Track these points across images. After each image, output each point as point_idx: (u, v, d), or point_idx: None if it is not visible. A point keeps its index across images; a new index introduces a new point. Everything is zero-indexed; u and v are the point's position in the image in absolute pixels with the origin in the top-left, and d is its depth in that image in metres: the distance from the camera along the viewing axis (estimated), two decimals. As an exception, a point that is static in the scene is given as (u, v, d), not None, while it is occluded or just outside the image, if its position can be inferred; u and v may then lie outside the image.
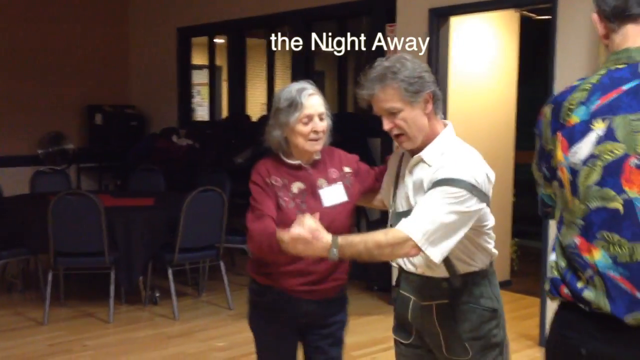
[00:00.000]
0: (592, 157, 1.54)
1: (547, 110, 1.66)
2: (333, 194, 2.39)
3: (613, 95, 1.54)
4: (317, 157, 2.43)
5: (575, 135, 1.57)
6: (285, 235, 2.03)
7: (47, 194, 5.57)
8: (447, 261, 2.06)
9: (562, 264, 1.63)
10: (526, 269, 6.16)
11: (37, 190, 6.14)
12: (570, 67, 4.24)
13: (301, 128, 2.34)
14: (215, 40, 8.61)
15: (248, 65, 8.27)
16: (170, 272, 5.00)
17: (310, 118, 2.34)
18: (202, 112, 9.35)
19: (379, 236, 1.97)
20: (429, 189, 2.00)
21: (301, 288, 2.40)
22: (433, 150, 2.10)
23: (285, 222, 2.22)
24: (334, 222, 2.29)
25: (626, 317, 1.50)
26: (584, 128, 1.56)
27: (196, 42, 8.81)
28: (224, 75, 8.69)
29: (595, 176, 1.54)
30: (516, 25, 5.84)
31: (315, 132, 2.35)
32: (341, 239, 2.00)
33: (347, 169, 2.46)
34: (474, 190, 1.96)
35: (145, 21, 8.95)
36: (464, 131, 2.08)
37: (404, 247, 1.94)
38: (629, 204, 1.50)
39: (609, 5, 1.62)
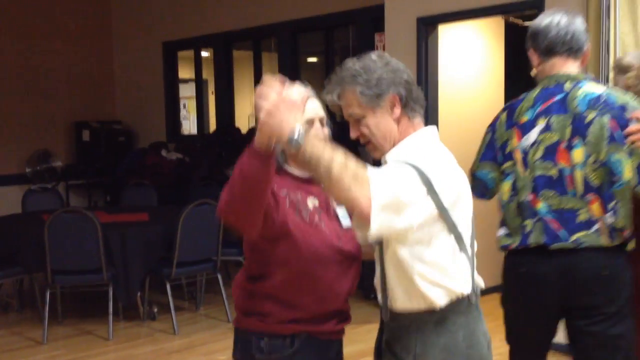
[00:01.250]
0: (537, 142, 2.43)
1: (502, 114, 2.56)
2: (345, 213, 2.07)
3: (549, 103, 2.43)
4: None
5: (526, 128, 2.45)
6: (272, 80, 1.68)
7: (40, 213, 5.56)
8: (383, 277, 1.81)
9: (514, 223, 2.49)
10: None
11: (29, 209, 6.12)
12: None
13: None
14: (201, 53, 8.64)
15: (235, 78, 8.30)
16: (168, 286, 5.00)
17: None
18: (189, 126, 9.36)
19: (352, 160, 1.63)
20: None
21: (337, 328, 2.02)
22: (398, 151, 1.82)
23: (316, 237, 1.93)
24: (351, 245, 2.00)
25: (551, 245, 2.40)
26: (531, 124, 2.45)
27: (182, 55, 8.82)
28: (211, 88, 8.71)
29: (539, 154, 2.42)
30: (502, 32, 5.94)
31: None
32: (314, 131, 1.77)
33: None
34: (430, 186, 1.67)
35: (130, 36, 8.95)
36: (455, 137, 1.93)
37: (362, 189, 1.60)
38: (560, 172, 2.40)
39: (542, 45, 2.47)
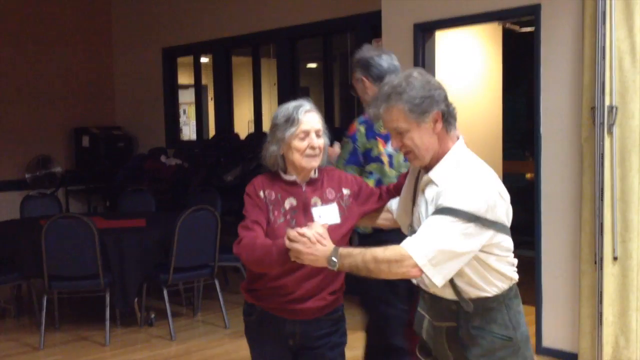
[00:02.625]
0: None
1: (361, 127, 3.12)
2: (325, 214, 2.36)
3: None
4: (314, 175, 2.41)
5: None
6: (291, 232, 2.05)
7: (38, 218, 5.56)
8: (453, 284, 2.02)
9: None
10: (519, 278, 6.17)
11: (27, 215, 6.12)
12: (554, 77, 4.32)
13: (297, 144, 2.33)
14: (201, 59, 8.65)
15: (234, 83, 8.31)
16: (165, 292, 5.00)
17: (306, 134, 2.33)
18: (189, 132, 9.37)
19: (378, 251, 1.94)
20: (433, 213, 1.96)
21: (283, 307, 2.38)
22: (441, 170, 2.05)
23: (273, 237, 2.26)
24: None
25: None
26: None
27: (181, 61, 8.84)
28: (211, 94, 8.72)
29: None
30: (499, 38, 5.94)
31: (312, 147, 2.33)
32: (342, 249, 2.00)
33: (345, 191, 2.43)
34: (477, 220, 1.91)
35: (130, 42, 8.97)
36: None
37: (402, 265, 1.90)
38: None
39: (375, 73, 3.13)
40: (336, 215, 2.37)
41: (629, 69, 3.89)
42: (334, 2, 6.74)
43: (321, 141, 2.37)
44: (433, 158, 2.06)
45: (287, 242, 2.07)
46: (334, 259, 1.99)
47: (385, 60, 3.18)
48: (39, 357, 4.68)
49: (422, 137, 2.03)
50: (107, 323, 4.89)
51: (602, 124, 3.94)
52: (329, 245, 2.02)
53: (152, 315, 5.28)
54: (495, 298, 2.05)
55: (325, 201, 2.39)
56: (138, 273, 5.02)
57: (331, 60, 7.42)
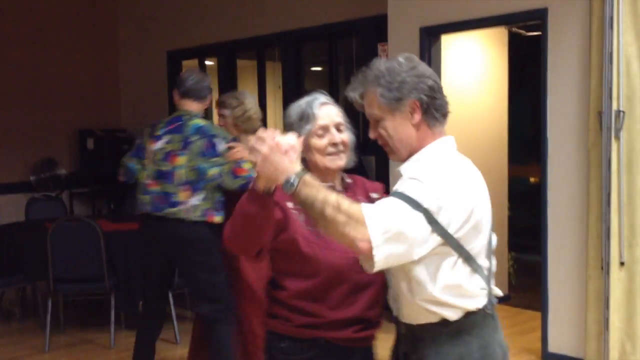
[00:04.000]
0: (161, 149, 3.70)
1: (147, 128, 3.88)
2: None
3: (173, 126, 3.72)
4: (349, 180, 2.11)
5: (157, 139, 3.72)
6: (263, 132, 1.70)
7: (43, 221, 5.56)
8: (395, 293, 1.81)
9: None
10: (524, 282, 6.19)
11: (32, 217, 6.12)
12: (561, 82, 4.31)
13: (316, 142, 2.01)
14: (206, 62, 8.66)
15: (239, 86, 8.31)
16: (170, 295, 4.99)
17: (325, 129, 2.01)
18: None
19: (344, 200, 1.65)
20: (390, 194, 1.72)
21: (356, 335, 1.97)
22: (411, 164, 1.81)
23: (323, 251, 1.92)
24: None
25: (154, 213, 3.77)
26: (160, 137, 3.72)
27: (186, 64, 8.84)
28: (216, 96, 8.71)
29: (161, 156, 3.69)
30: (506, 42, 5.94)
31: (334, 144, 2.01)
32: (309, 176, 1.69)
33: (374, 195, 2.10)
34: (427, 214, 1.65)
35: (135, 44, 8.99)
36: (459, 147, 1.88)
37: (358, 229, 1.61)
38: (171, 169, 3.68)
39: (181, 89, 3.79)
40: None
41: (637, 74, 3.88)
42: (340, 6, 6.74)
43: (344, 136, 2.04)
44: (410, 154, 1.81)
45: (252, 141, 1.71)
46: (293, 179, 1.65)
47: (193, 79, 3.83)
48: (44, 359, 4.68)
49: (397, 128, 1.79)
50: (112, 326, 4.89)
51: (609, 128, 3.94)
52: (296, 165, 1.69)
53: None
54: (421, 331, 1.78)
55: None
56: (143, 276, 5.00)
57: (336, 63, 7.42)
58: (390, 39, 5.34)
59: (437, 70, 5.20)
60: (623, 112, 3.91)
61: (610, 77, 3.93)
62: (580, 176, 4.21)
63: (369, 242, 1.61)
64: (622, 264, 3.94)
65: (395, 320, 1.87)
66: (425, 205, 1.65)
